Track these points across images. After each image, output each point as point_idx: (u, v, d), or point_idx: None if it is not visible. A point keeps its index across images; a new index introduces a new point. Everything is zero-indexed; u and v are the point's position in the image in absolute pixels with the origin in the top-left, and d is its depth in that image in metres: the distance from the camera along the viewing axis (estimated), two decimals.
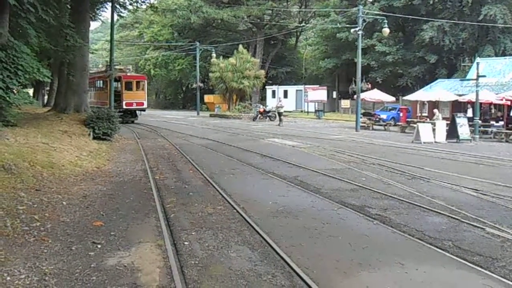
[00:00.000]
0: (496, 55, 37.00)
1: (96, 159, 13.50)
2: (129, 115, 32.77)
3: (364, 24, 28.93)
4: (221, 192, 9.46)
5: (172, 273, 5.09)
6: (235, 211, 7.95)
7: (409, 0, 40.35)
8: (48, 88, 43.29)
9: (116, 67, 32.98)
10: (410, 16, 37.94)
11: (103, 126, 18.28)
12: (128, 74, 34.83)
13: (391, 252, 6.02)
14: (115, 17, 26.42)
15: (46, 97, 44.26)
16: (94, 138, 17.65)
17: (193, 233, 6.66)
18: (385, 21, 28.76)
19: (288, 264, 5.41)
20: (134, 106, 32.88)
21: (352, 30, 29.34)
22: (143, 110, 34.46)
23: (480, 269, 5.42)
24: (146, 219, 7.44)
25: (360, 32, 28.03)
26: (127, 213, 7.73)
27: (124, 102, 32.00)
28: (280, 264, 5.47)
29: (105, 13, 67.49)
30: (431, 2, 38.81)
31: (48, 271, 5.10)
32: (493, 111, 28.63)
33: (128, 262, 5.44)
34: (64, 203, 8.11)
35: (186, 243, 6.24)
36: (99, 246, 6.01)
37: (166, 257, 5.64)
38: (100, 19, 37.12)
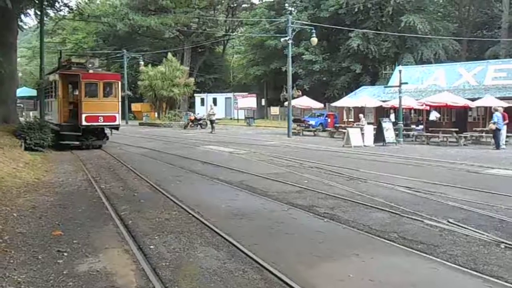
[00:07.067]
0: (415, 61, 39.61)
1: (34, 170, 13.13)
2: (93, 136, 20.74)
3: (294, 33, 29.97)
4: (172, 198, 9.60)
5: (147, 275, 5.26)
6: (191, 215, 8.15)
7: (335, 11, 42.22)
8: None
9: (73, 60, 22.73)
10: (336, 27, 39.71)
11: (35, 136, 17.66)
12: (91, 72, 20.93)
13: (345, 245, 6.54)
14: (35, 23, 25.11)
15: None
16: (26, 149, 17.03)
17: (156, 238, 6.81)
18: (313, 30, 29.97)
19: (255, 260, 5.73)
20: (101, 122, 20.58)
21: (282, 40, 30.26)
22: (116, 128, 21.88)
23: (425, 255, 6.04)
24: (105, 226, 7.48)
25: (290, 41, 29.00)
26: (83, 222, 7.71)
27: (83, 116, 19.79)
28: (248, 261, 5.78)
29: (24, 19, 64.19)
30: (355, 11, 40.86)
31: (21, 280, 5.09)
32: (413, 115, 30.71)
33: (100, 267, 5.53)
34: (14, 214, 7.95)
35: (151, 247, 6.39)
36: (65, 254, 6.02)
37: (136, 260, 5.78)
38: (21, 26, 35.42)
